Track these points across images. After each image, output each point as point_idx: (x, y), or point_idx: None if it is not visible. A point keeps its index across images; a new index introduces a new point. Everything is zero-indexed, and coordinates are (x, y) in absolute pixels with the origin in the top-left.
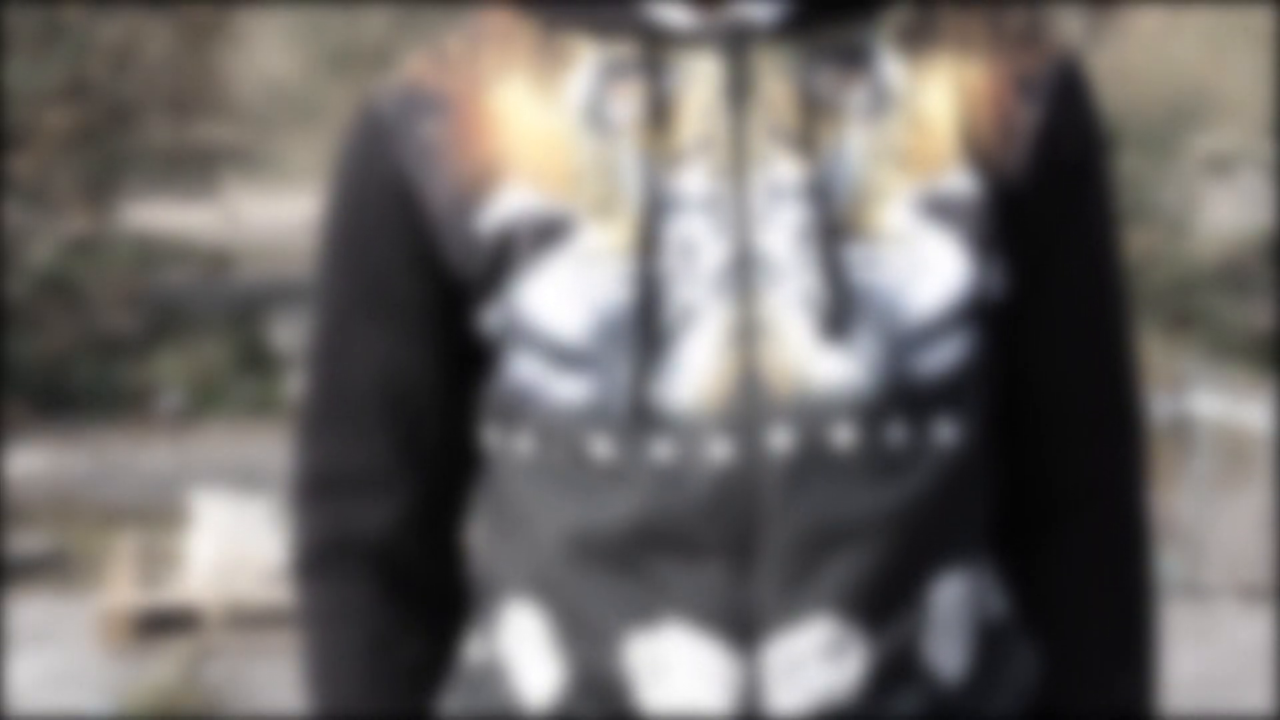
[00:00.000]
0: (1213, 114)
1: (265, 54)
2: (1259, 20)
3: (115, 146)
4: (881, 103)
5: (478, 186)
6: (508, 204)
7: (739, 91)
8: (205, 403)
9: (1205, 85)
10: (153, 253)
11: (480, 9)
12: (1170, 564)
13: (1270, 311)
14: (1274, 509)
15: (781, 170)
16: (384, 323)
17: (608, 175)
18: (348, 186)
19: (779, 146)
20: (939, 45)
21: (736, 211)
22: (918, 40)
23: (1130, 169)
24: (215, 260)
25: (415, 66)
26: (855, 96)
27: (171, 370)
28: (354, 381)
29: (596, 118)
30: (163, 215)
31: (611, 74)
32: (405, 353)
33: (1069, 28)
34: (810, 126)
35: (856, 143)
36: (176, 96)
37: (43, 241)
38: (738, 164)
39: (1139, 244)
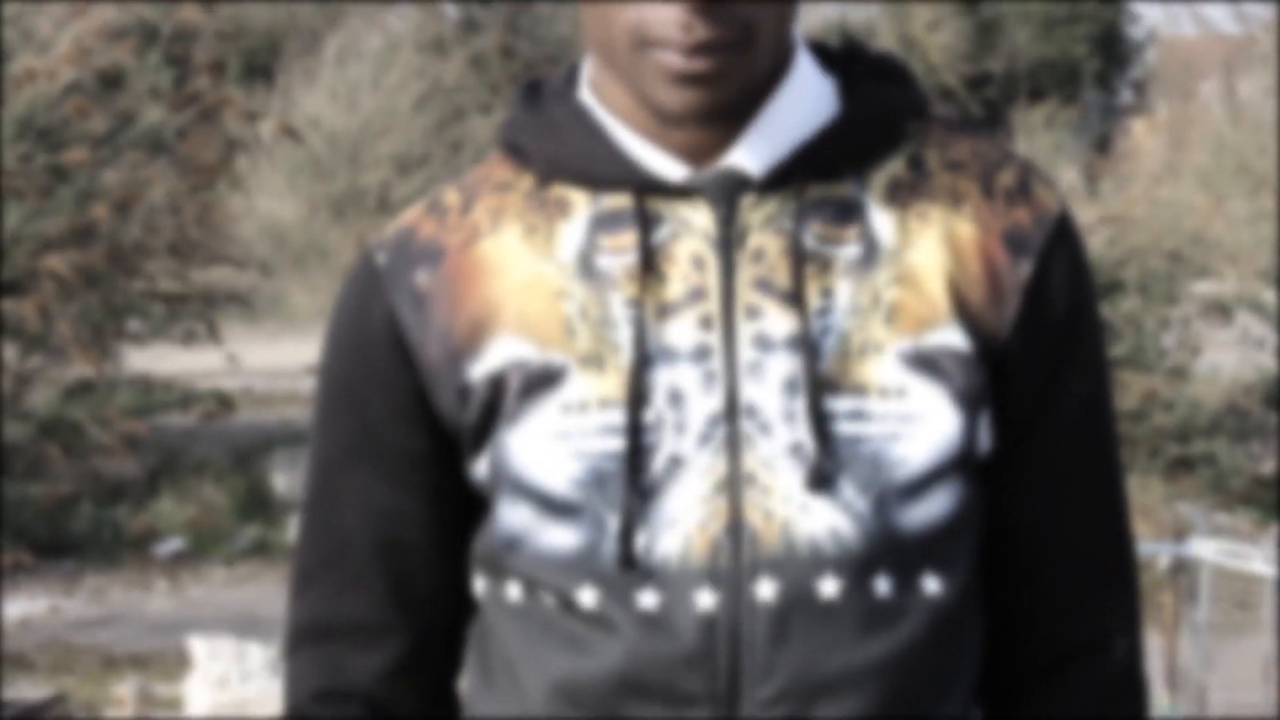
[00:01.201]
0: (1212, 258)
1: (267, 198)
2: (1259, 163)
3: (117, 290)
4: (871, 257)
5: (470, 337)
6: (498, 354)
7: (729, 244)
8: (206, 547)
9: (1204, 229)
10: (154, 396)
11: (477, 161)
12: (1173, 710)
13: (1272, 456)
14: (1277, 654)
15: (770, 323)
16: (377, 471)
17: (599, 326)
18: (343, 334)
19: (768, 299)
20: (930, 200)
21: (725, 363)
22: (908, 195)
23: (1130, 314)
24: (216, 404)
25: (411, 216)
26: (845, 250)
27: (172, 514)
28: (347, 529)
29: (588, 268)
30: (164, 359)
31: (603, 224)
32: (398, 501)
33: (1067, 174)
34: (800, 279)
35: (846, 296)
36: (178, 240)
37: (43, 385)
38: (727, 316)
39: (1139, 389)
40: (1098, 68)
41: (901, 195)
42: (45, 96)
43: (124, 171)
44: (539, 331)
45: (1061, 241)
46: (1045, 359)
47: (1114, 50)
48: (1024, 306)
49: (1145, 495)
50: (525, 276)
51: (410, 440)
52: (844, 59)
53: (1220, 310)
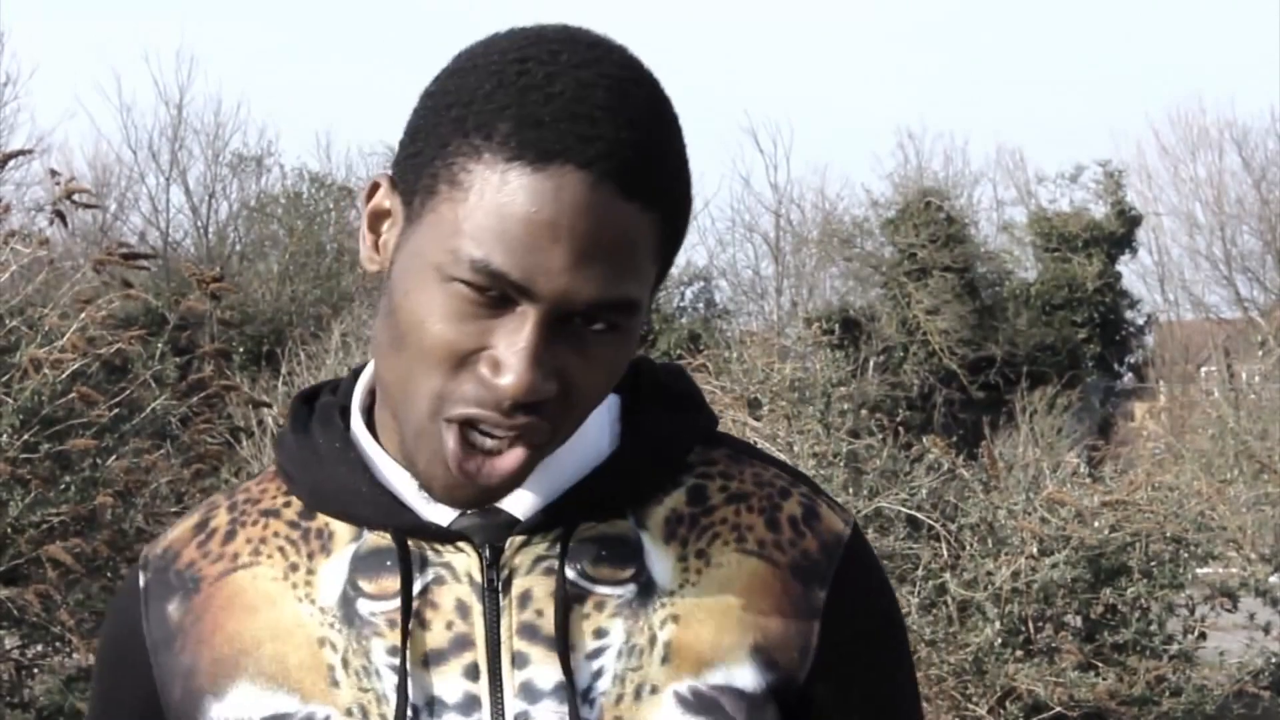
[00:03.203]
0: (1216, 543)
1: None
2: (1260, 447)
3: (120, 578)
4: (648, 595)
5: (213, 677)
6: (238, 704)
7: (495, 589)
8: None
9: (1207, 514)
10: None
11: (255, 476)
12: None
13: None
14: None
15: (537, 670)
16: None
17: (362, 676)
18: (106, 653)
19: (535, 645)
20: (712, 536)
21: (493, 715)
22: (688, 531)
23: (1135, 599)
24: None
25: (179, 533)
26: (619, 590)
27: None
28: None
29: (350, 612)
30: None
31: (365, 565)
32: None
33: (1070, 459)
34: (564, 623)
35: (620, 637)
36: None
37: (46, 674)
38: (493, 665)
39: (1146, 674)
40: (1098, 351)
41: (680, 531)
42: (50, 385)
43: (128, 459)
44: (301, 683)
45: (853, 562)
46: (845, 682)
47: (1113, 334)
48: (822, 635)
49: None
50: (285, 619)
51: None
52: (626, 383)
53: (1225, 595)
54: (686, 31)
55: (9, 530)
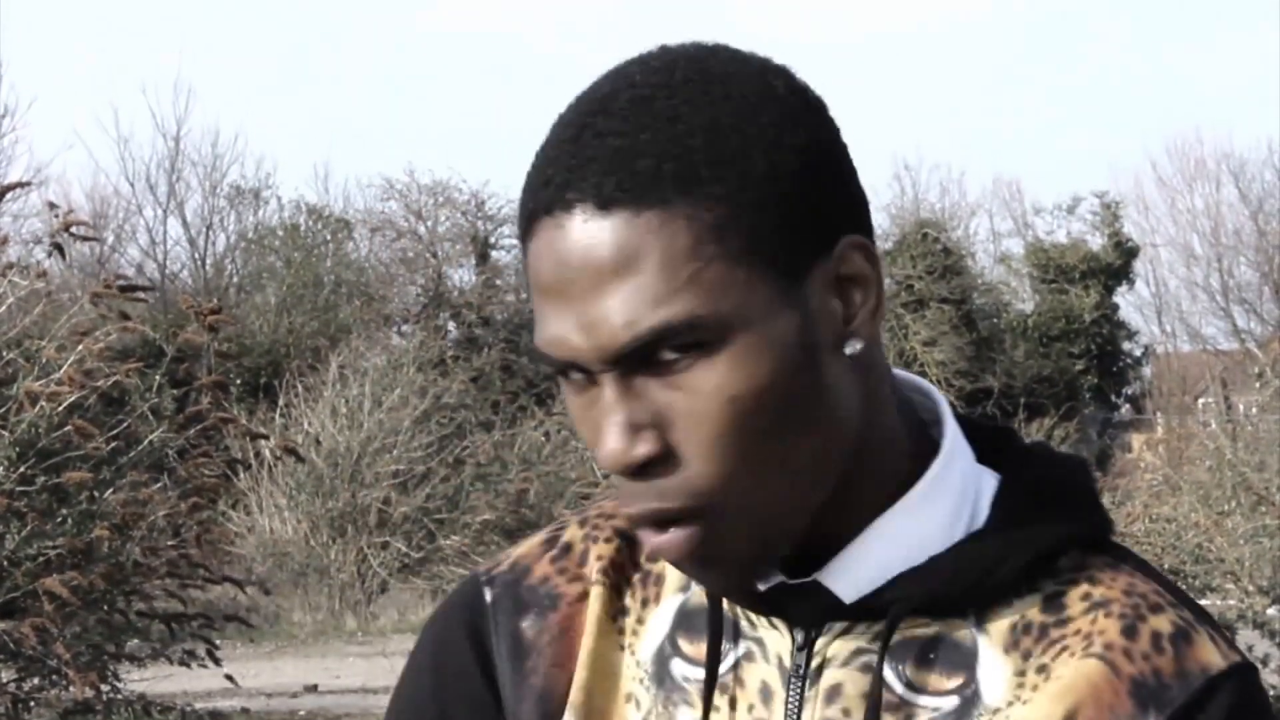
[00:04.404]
0: (1213, 575)
1: (268, 516)
2: (1258, 479)
3: (116, 611)
4: (967, 712)
5: (557, 706)
6: None
7: (803, 677)
8: None
9: (1205, 546)
10: (152, 717)
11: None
12: None
13: None
14: None
15: None
16: None
17: None
18: (427, 664)
19: None
20: (1058, 648)
21: None
22: (1033, 644)
23: None
24: None
25: (526, 551)
26: (940, 701)
27: None
28: None
29: (663, 672)
30: (162, 679)
31: (686, 623)
32: None
33: None
34: None
35: None
36: (178, 559)
37: (42, 708)
38: None
39: None
40: (1095, 383)
41: (1025, 643)
42: (47, 418)
43: (125, 492)
44: None
45: (1212, 704)
46: None
47: (1111, 365)
48: None
49: None
50: (602, 661)
51: None
52: (1005, 457)
53: (1223, 627)
54: None
55: (5, 563)
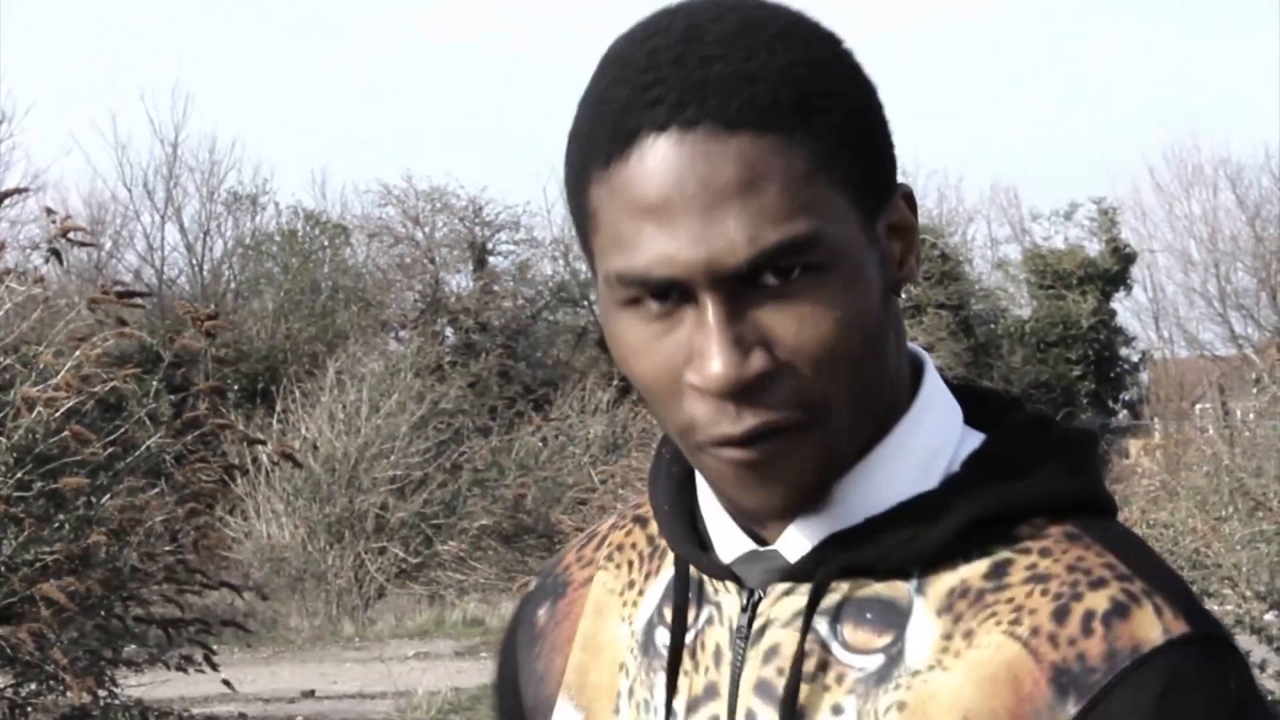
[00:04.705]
0: (1211, 580)
1: (265, 521)
2: (1255, 485)
3: (113, 616)
4: (888, 673)
5: (551, 689)
6: (559, 713)
7: (744, 637)
8: None
9: (1202, 551)
10: None
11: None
12: None
13: None
14: None
15: None
16: None
17: (641, 710)
18: (499, 657)
19: (767, 707)
20: (986, 616)
21: None
22: (966, 607)
23: None
24: None
25: (576, 541)
26: (865, 660)
27: None
28: None
29: (648, 641)
30: (160, 684)
31: (670, 592)
32: None
33: None
34: (806, 688)
35: (853, 717)
36: (175, 564)
37: (39, 713)
38: None
39: None
40: (1092, 389)
41: (959, 606)
42: (45, 424)
43: (122, 497)
44: (591, 705)
45: (1140, 685)
46: None
47: (1108, 371)
48: None
49: None
50: (602, 634)
51: None
52: (1000, 422)
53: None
54: None
55: (2, 569)
